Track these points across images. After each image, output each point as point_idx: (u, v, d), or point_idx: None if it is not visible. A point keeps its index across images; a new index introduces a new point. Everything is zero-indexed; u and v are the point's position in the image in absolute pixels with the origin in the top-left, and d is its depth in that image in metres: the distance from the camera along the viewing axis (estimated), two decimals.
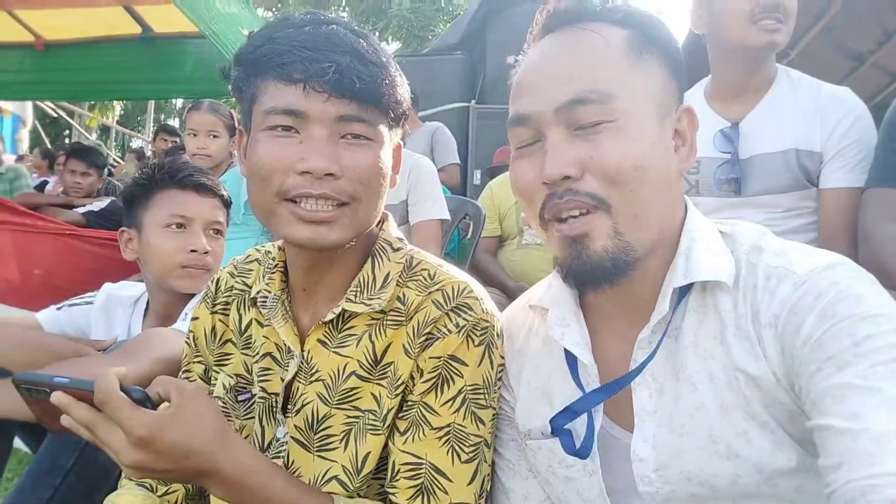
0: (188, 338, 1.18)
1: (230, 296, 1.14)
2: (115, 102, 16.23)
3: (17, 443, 1.58)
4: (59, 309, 1.70)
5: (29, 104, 9.68)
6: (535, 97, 0.86)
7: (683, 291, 0.87)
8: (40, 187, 6.92)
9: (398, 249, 1.06)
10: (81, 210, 3.90)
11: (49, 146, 11.64)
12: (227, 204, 1.66)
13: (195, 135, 2.95)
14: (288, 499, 0.91)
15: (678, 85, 0.90)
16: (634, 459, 0.88)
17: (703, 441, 0.84)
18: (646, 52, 0.86)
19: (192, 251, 1.55)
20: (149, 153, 9.25)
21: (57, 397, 0.85)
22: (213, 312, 1.15)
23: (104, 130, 16.70)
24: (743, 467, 0.82)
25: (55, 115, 12.17)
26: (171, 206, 1.58)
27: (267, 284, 1.06)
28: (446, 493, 0.96)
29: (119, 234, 1.67)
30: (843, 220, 1.66)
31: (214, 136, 2.93)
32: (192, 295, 1.59)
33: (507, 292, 2.77)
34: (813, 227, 1.75)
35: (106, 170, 4.71)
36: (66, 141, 16.22)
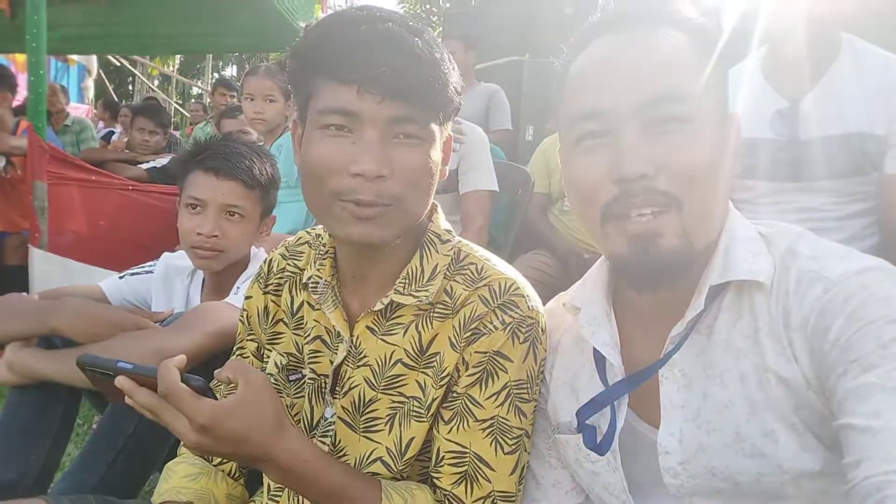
0: (242, 316, 1.22)
1: (282, 277, 1.17)
2: None
3: None
4: (121, 278, 1.79)
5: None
6: (613, 92, 0.85)
7: (719, 290, 0.87)
8: (107, 137, 7.14)
9: (446, 242, 1.07)
10: (145, 166, 4.03)
11: (112, 94, 11.95)
12: (252, 185, 1.64)
13: (252, 99, 2.99)
14: (339, 486, 0.96)
15: (728, 94, 0.91)
16: (661, 452, 0.89)
17: (729, 438, 0.85)
18: (709, 58, 0.87)
19: (200, 234, 1.60)
20: (207, 103, 9.39)
21: (120, 382, 0.90)
22: (265, 293, 1.18)
23: (165, 78, 17.01)
24: (768, 467, 0.82)
25: (118, 63, 12.43)
26: (191, 188, 1.63)
27: (318, 270, 1.09)
28: (489, 481, 0.99)
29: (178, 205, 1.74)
30: None
31: (271, 101, 2.97)
32: (243, 269, 1.66)
33: (557, 255, 2.76)
34: (870, 212, 1.67)
35: (171, 126, 4.84)
36: (130, 88, 16.61)
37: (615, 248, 0.86)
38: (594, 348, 0.96)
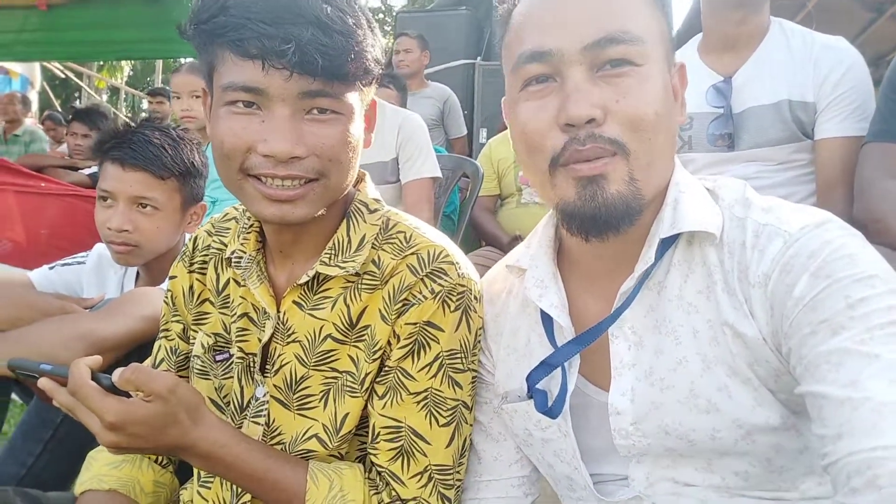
0: (167, 297, 1.18)
1: (207, 255, 1.13)
2: (123, 63, 16.12)
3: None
4: (51, 269, 1.73)
5: (37, 65, 9.63)
6: (558, 32, 0.81)
7: (668, 244, 0.86)
8: None
9: (374, 211, 1.04)
10: (87, 171, 3.91)
11: (58, 108, 11.63)
12: (163, 175, 1.54)
13: (179, 97, 2.92)
14: (262, 470, 0.94)
15: (673, 41, 0.89)
16: (612, 413, 0.87)
17: (683, 395, 0.83)
18: (657, 2, 0.85)
19: (110, 228, 1.53)
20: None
21: (42, 383, 0.91)
22: (190, 271, 1.14)
23: (113, 91, 16.63)
24: (722, 422, 0.81)
25: (63, 76, 12.12)
26: (102, 180, 1.56)
27: (242, 244, 1.05)
28: (425, 455, 0.97)
29: None
30: (840, 170, 1.65)
31: (197, 97, 2.89)
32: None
33: (502, 248, 2.77)
34: (805, 180, 1.73)
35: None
36: (77, 103, 16.19)
37: (563, 193, 0.83)
38: (541, 310, 0.93)
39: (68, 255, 3.17)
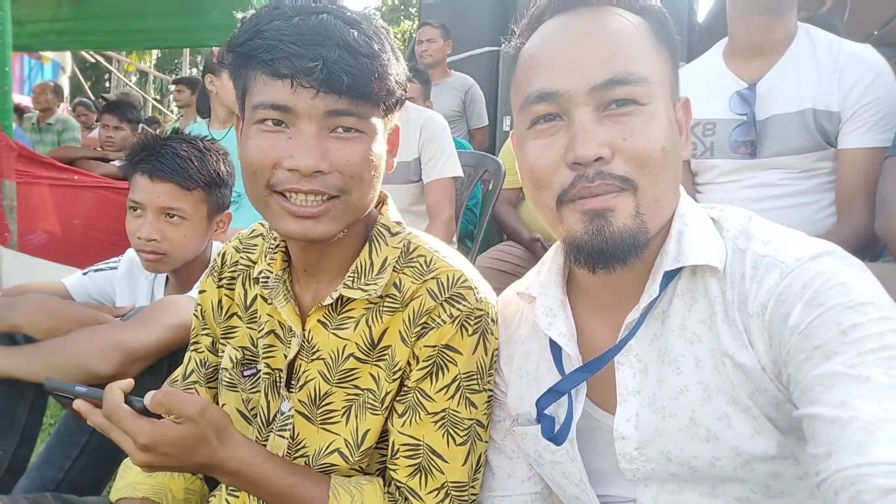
0: (196, 310, 1.22)
1: (235, 271, 1.17)
2: None
3: None
4: (84, 274, 1.78)
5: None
6: (566, 74, 0.84)
7: (672, 275, 0.88)
8: None
9: (396, 234, 1.07)
10: (118, 163, 3.99)
11: (89, 91, 11.82)
12: (189, 186, 1.59)
13: None
14: (286, 486, 0.99)
15: (678, 78, 0.91)
16: (617, 438, 0.90)
17: (684, 423, 0.85)
18: (662, 42, 0.87)
19: (139, 237, 1.58)
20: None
21: (78, 405, 0.94)
22: (218, 286, 1.18)
23: (142, 75, 16.81)
24: (722, 450, 0.83)
25: (93, 60, 12.29)
26: (132, 191, 1.61)
27: (269, 264, 1.08)
28: (442, 472, 1.01)
29: None
30: (862, 181, 1.63)
31: None
32: (207, 265, 1.64)
33: (524, 244, 2.78)
34: (830, 187, 1.71)
35: (140, 124, 4.75)
36: (107, 85, 16.41)
37: (570, 227, 0.86)
38: (550, 339, 0.96)
39: (101, 243, 3.25)
